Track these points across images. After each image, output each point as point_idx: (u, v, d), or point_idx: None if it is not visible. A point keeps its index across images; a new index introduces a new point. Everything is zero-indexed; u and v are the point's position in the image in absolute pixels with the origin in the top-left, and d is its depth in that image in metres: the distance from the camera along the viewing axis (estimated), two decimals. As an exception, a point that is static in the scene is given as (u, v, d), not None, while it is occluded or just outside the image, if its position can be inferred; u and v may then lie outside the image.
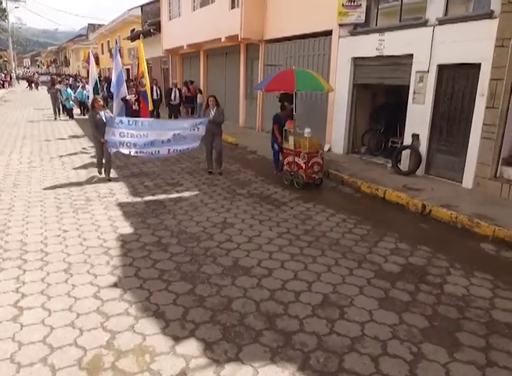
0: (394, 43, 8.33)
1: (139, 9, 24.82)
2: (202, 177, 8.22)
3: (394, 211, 6.51)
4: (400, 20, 8.34)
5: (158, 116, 15.15)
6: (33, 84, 44.93)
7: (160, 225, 5.53)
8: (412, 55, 7.97)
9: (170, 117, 15.23)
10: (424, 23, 7.66)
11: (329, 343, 3.16)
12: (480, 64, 6.82)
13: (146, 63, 12.27)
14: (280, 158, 8.20)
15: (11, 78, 50.31)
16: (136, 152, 7.74)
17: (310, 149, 7.33)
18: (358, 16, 9.05)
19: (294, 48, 11.75)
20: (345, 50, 9.63)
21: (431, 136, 7.92)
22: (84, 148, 11.09)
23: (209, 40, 15.13)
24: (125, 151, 7.65)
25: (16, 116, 19.18)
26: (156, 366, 2.87)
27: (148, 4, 24.64)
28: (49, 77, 38.70)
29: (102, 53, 39.18)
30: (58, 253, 4.59)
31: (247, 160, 10.01)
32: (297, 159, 7.43)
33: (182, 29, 17.26)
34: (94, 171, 8.24)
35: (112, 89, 10.80)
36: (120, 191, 7.11)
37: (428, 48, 7.60)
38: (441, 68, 7.55)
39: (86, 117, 15.35)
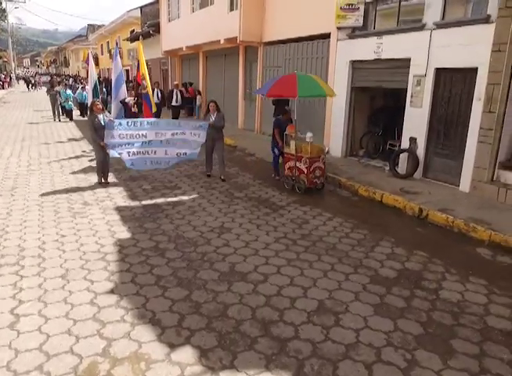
0: (391, 46, 8.36)
1: (139, 10, 24.84)
2: (200, 180, 8.24)
3: (391, 214, 6.53)
4: (398, 24, 8.37)
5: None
6: (30, 85, 44.13)
7: (158, 230, 5.55)
8: (409, 58, 7.99)
9: (172, 119, 15.24)
10: (422, 27, 7.68)
11: (324, 350, 3.18)
12: (477, 68, 6.84)
13: (146, 65, 12.26)
14: (280, 161, 8.22)
15: (11, 79, 50.24)
16: (134, 153, 7.65)
17: (312, 153, 7.32)
18: (356, 19, 9.07)
19: (293, 51, 11.78)
20: (343, 53, 9.66)
21: (429, 139, 7.95)
22: (84, 151, 11.09)
23: (208, 42, 15.16)
24: (124, 154, 7.56)
25: (15, 117, 19.21)
26: (152, 374, 2.89)
27: (147, 5, 24.66)
28: (49, 78, 38.74)
29: (102, 54, 39.24)
30: (55, 258, 4.62)
31: (246, 163, 10.03)
32: (298, 164, 7.40)
33: (181, 30, 17.28)
34: (93, 176, 8.17)
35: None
36: (118, 195, 7.14)
37: (426, 52, 7.62)
38: (439, 72, 7.57)
39: (86, 118, 15.39)
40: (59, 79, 30.20)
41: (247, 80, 14.62)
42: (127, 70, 27.11)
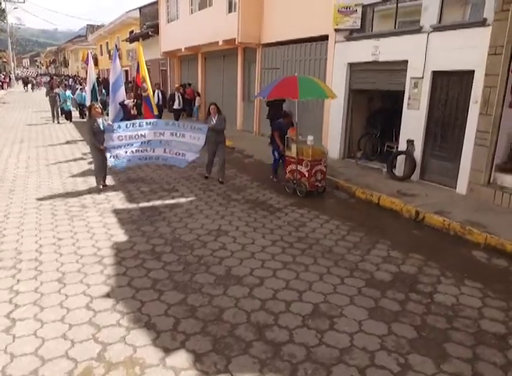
0: (389, 49, 8.38)
1: (138, 11, 24.86)
2: (198, 182, 8.26)
3: (388, 217, 6.55)
4: (395, 27, 8.39)
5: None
6: (29, 86, 43.69)
7: (155, 233, 5.56)
8: (407, 61, 8.01)
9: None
10: (419, 30, 7.71)
11: (318, 354, 3.20)
12: (473, 71, 6.86)
13: (146, 67, 12.25)
14: (279, 162, 8.23)
15: (10, 79, 50.18)
16: (132, 151, 7.65)
17: (313, 157, 7.27)
18: (353, 21, 9.10)
19: (291, 53, 11.80)
20: (341, 55, 9.68)
21: (426, 142, 7.97)
22: (83, 153, 11.06)
23: (207, 43, 15.19)
24: (120, 153, 7.52)
25: (14, 118, 19.23)
26: (146, 378, 2.91)
27: (146, 6, 24.67)
28: (49, 78, 38.68)
29: (101, 54, 39.26)
30: (52, 262, 4.63)
31: (244, 165, 10.05)
32: (299, 167, 7.35)
33: (180, 32, 17.30)
34: (91, 178, 8.06)
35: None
36: (116, 197, 7.15)
37: (423, 55, 7.64)
38: (436, 74, 7.59)
39: (85, 120, 15.40)
40: (58, 80, 30.17)
41: (246, 81, 14.64)
42: (126, 71, 27.12)
